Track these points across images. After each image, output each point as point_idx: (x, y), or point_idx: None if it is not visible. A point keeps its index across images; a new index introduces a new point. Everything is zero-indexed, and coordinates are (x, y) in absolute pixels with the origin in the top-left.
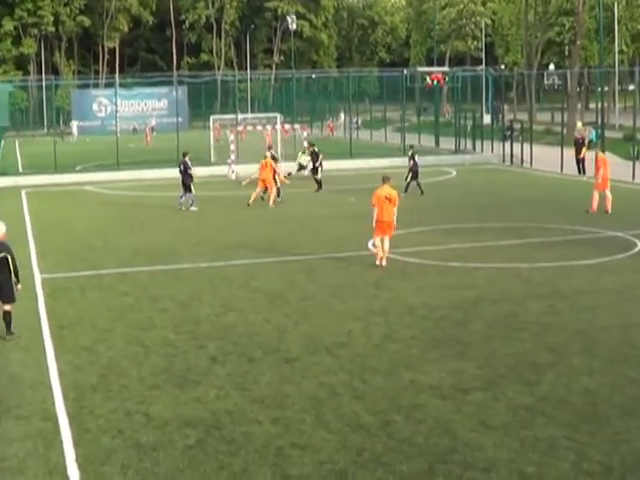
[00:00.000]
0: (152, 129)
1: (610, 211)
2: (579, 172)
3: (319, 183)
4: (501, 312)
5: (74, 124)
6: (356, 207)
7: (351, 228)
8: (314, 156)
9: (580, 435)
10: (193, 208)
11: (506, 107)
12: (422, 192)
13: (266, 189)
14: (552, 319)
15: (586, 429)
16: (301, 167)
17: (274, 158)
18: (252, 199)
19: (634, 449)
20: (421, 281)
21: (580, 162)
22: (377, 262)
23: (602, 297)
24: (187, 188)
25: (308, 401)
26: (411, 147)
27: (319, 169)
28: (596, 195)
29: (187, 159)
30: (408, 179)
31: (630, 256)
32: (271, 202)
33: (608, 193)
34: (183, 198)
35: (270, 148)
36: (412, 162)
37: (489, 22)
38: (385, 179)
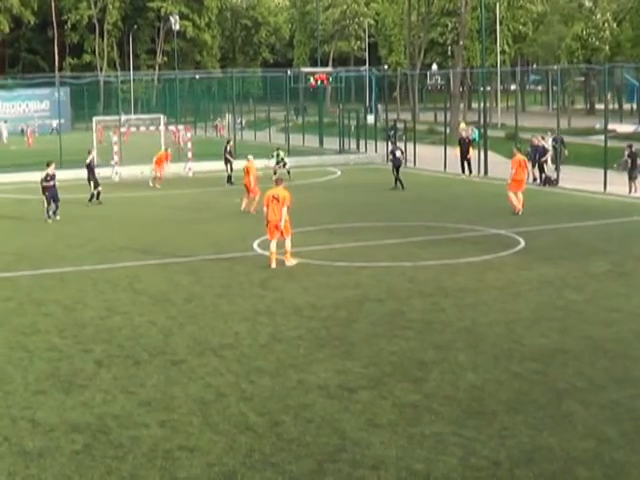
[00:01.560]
0: (33, 131)
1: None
2: (462, 171)
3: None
4: (386, 311)
5: None
6: (240, 208)
7: (236, 229)
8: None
9: (467, 431)
10: (57, 217)
11: (382, 107)
12: (403, 187)
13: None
14: (437, 317)
15: (473, 425)
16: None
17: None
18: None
19: (520, 443)
20: (307, 281)
21: (467, 161)
22: (290, 263)
23: (486, 294)
24: (54, 198)
25: (195, 403)
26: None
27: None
28: (511, 195)
29: (52, 169)
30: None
31: (513, 253)
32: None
33: (520, 194)
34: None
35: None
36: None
37: (372, 23)
38: (277, 181)
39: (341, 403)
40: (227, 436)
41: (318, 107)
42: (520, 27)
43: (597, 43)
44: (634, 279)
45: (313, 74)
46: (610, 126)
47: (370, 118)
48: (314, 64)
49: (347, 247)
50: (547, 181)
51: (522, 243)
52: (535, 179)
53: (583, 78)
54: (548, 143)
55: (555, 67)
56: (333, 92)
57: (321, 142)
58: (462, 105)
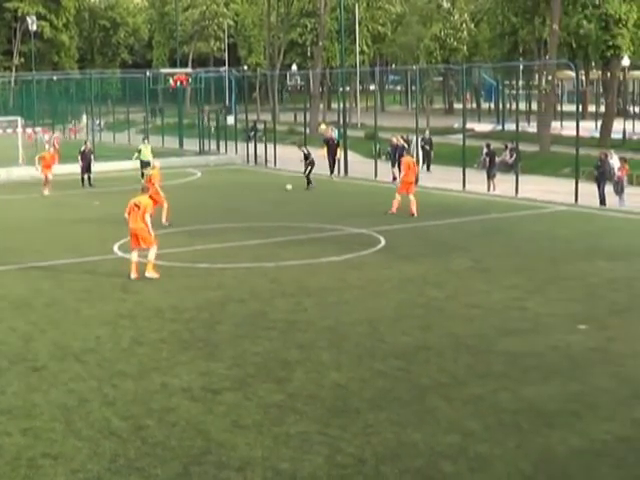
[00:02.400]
0: None
1: (415, 214)
2: (331, 172)
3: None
4: (249, 311)
5: None
6: (100, 210)
7: (96, 232)
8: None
9: (332, 429)
10: None
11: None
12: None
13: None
14: (299, 316)
15: (338, 423)
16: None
17: None
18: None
19: (385, 440)
20: (168, 283)
21: (335, 161)
22: (151, 275)
23: (348, 293)
24: None
25: (57, 409)
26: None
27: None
28: (398, 197)
29: None
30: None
31: (374, 252)
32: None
33: (412, 196)
34: None
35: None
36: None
37: (232, 23)
38: (143, 188)
39: (205, 405)
40: (91, 442)
41: (178, 108)
42: (379, 28)
43: (455, 44)
44: (494, 275)
45: (172, 75)
46: (468, 125)
47: (230, 119)
48: (173, 65)
49: (209, 248)
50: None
51: (383, 242)
52: (395, 178)
53: (442, 78)
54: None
55: (414, 67)
56: (193, 93)
57: (181, 143)
58: (322, 105)
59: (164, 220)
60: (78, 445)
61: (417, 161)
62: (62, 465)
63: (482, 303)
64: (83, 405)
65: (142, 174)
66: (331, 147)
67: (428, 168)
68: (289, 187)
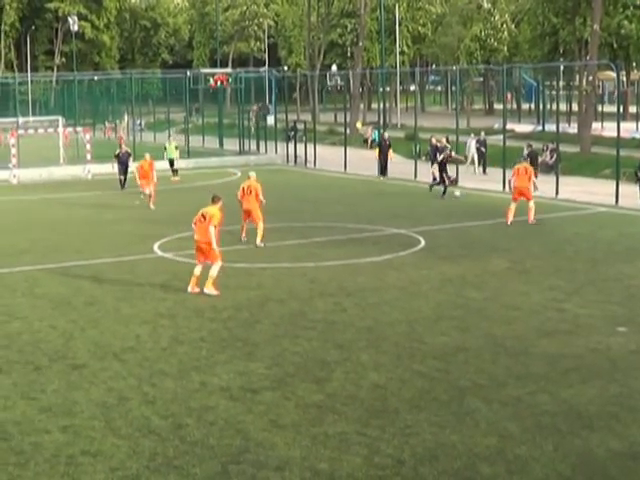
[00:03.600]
0: None
1: (533, 221)
2: (382, 173)
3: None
4: (288, 311)
5: None
6: (141, 210)
7: (137, 231)
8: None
9: (371, 430)
10: None
11: (272, 108)
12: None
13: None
14: (339, 317)
15: (376, 424)
16: None
17: None
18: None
19: (424, 441)
20: None
21: (387, 163)
22: (210, 291)
23: (387, 293)
24: None
25: (97, 407)
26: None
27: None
28: (512, 206)
29: None
30: None
31: (413, 253)
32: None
33: (530, 203)
34: None
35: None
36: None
37: (272, 24)
38: (213, 199)
39: (244, 404)
40: (130, 440)
41: (218, 108)
42: (419, 28)
43: (495, 44)
44: (533, 277)
45: (213, 75)
46: (509, 126)
47: (270, 119)
48: (214, 65)
49: (248, 248)
50: (450, 180)
51: (422, 242)
52: (435, 179)
53: (482, 78)
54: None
55: (454, 67)
56: (233, 93)
57: (221, 143)
58: (362, 106)
59: (258, 241)
60: (117, 443)
61: (472, 162)
62: (101, 463)
63: (521, 304)
64: (123, 403)
65: (174, 172)
66: (383, 148)
67: (484, 170)
68: (457, 193)
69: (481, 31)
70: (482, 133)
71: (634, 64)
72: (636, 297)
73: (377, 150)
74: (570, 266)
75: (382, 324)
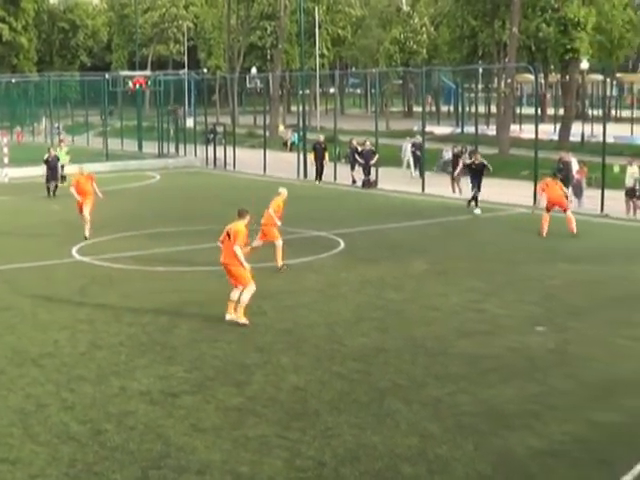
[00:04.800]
0: None
1: (574, 231)
2: (318, 178)
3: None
4: (207, 315)
5: None
6: (60, 215)
7: (54, 235)
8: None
9: (291, 432)
10: None
11: (189, 111)
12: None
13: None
14: (258, 319)
15: (297, 426)
16: None
17: None
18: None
19: (345, 443)
20: (127, 287)
21: (323, 167)
22: (236, 319)
23: (306, 296)
24: None
25: (15, 414)
26: None
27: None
28: (546, 216)
29: None
30: None
31: (332, 255)
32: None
33: (568, 213)
34: None
35: None
36: None
37: (191, 26)
38: (240, 213)
39: (164, 409)
40: (49, 446)
41: (137, 111)
42: (339, 31)
43: (415, 47)
44: (452, 278)
45: (132, 78)
46: (428, 128)
47: (189, 122)
48: (132, 68)
49: (167, 252)
50: (366, 183)
51: (342, 244)
52: (354, 181)
53: (401, 81)
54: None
55: (373, 70)
56: (152, 96)
57: (140, 146)
58: (282, 108)
59: (278, 264)
60: (36, 450)
61: (408, 165)
62: (20, 470)
63: (440, 305)
64: (41, 410)
65: (62, 178)
66: (319, 152)
67: (421, 174)
68: (477, 211)
69: (400, 34)
70: (417, 136)
71: (552, 67)
72: (554, 297)
73: (313, 154)
74: (489, 267)
75: (301, 326)
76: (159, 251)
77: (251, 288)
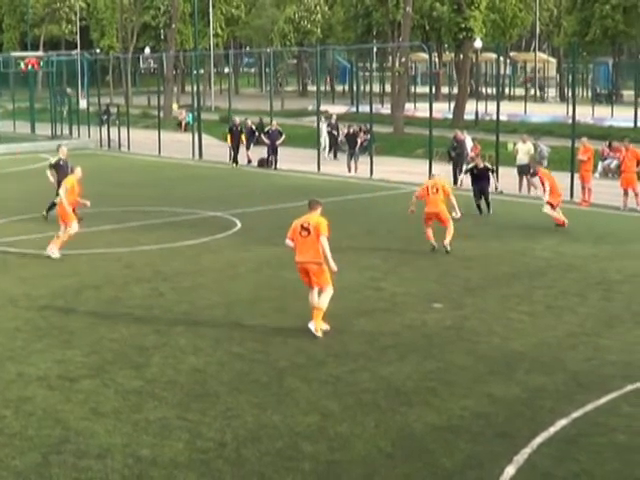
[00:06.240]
0: None
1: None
2: (235, 161)
3: None
4: (105, 298)
5: None
6: None
7: None
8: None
9: (192, 414)
10: None
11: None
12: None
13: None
14: (156, 301)
15: (197, 408)
16: None
17: None
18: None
19: (245, 423)
20: (22, 271)
21: (238, 149)
22: (317, 327)
23: (204, 277)
24: None
25: None
26: None
27: None
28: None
29: None
30: None
31: (230, 235)
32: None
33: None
34: None
35: None
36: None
37: (84, 6)
38: (312, 204)
39: (62, 394)
40: None
41: (29, 92)
42: (233, 10)
43: (309, 26)
44: (349, 256)
45: (23, 59)
46: (323, 107)
47: (83, 103)
48: (24, 48)
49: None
50: (262, 162)
51: (239, 225)
52: (250, 161)
53: (296, 60)
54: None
55: (268, 50)
56: (45, 77)
57: (33, 128)
58: (176, 88)
59: (447, 242)
60: None
61: (324, 148)
62: None
63: (338, 284)
64: None
65: None
66: (235, 134)
67: (335, 155)
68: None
69: (295, 13)
70: (334, 116)
71: (446, 46)
72: (450, 274)
73: (229, 136)
74: (386, 245)
75: (200, 308)
76: (53, 234)
77: (330, 290)
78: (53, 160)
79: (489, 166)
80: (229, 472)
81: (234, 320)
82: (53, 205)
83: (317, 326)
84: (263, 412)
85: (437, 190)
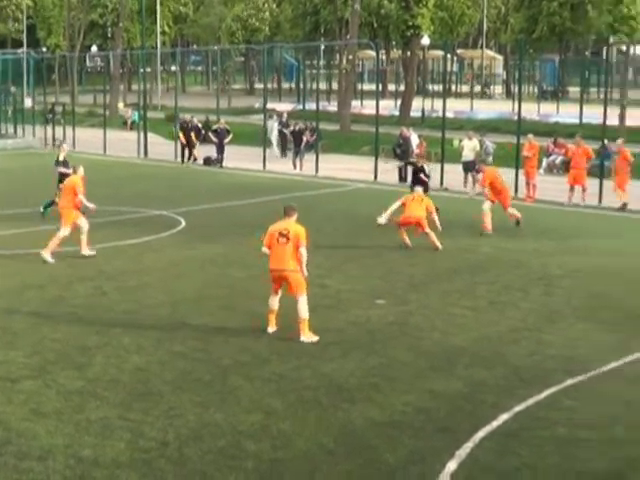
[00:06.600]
0: None
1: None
2: (186, 159)
3: None
4: (48, 297)
5: None
6: None
7: None
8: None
9: (134, 413)
10: None
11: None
12: None
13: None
14: (99, 301)
15: (139, 407)
16: None
17: None
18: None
19: (188, 422)
20: None
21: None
22: (309, 339)
23: (148, 276)
24: None
25: None
26: None
27: None
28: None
29: None
30: None
31: (174, 234)
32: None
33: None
34: None
35: None
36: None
37: (31, 4)
38: (287, 211)
39: (3, 394)
40: None
41: None
42: (181, 8)
43: (257, 24)
44: None
45: None
46: (269, 105)
47: (28, 101)
48: None
49: (4, 235)
50: (208, 160)
51: (183, 223)
52: (195, 159)
53: (243, 58)
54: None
55: (215, 48)
56: None
57: None
58: (122, 87)
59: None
60: None
61: (277, 145)
62: None
63: None
64: None
65: None
66: (187, 132)
67: (285, 153)
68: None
69: (243, 11)
70: (284, 114)
71: (393, 43)
72: (394, 271)
73: (181, 134)
74: (331, 242)
75: (143, 307)
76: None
77: (305, 297)
78: (61, 157)
79: (425, 168)
80: (171, 471)
81: (178, 319)
82: (52, 203)
83: (308, 335)
84: (206, 411)
85: (420, 200)
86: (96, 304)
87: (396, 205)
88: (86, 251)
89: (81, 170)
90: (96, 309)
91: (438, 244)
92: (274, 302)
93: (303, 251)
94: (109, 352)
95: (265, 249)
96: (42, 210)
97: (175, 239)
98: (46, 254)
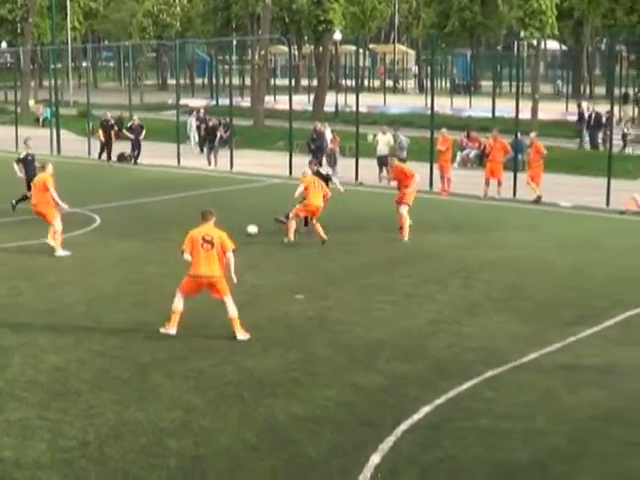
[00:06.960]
0: None
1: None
2: (109, 158)
3: None
4: None
5: None
6: None
7: None
8: None
9: (53, 413)
10: None
11: None
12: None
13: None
14: (14, 300)
15: (58, 407)
16: None
17: None
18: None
19: (108, 421)
20: None
21: (112, 145)
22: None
23: (64, 274)
24: None
25: None
26: None
27: None
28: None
29: None
30: None
31: (89, 231)
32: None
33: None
34: None
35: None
36: None
37: None
38: (205, 215)
39: None
40: None
41: None
42: (91, 4)
43: (168, 19)
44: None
45: None
46: (182, 101)
47: None
48: None
49: None
50: (122, 157)
51: (98, 220)
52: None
53: (155, 54)
54: None
55: (127, 43)
56: None
57: None
58: (33, 83)
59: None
60: None
61: (195, 142)
62: None
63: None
64: None
65: None
66: (107, 129)
67: (201, 149)
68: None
69: (154, 6)
70: (201, 110)
71: (306, 38)
72: (311, 266)
73: (101, 132)
74: (246, 239)
75: (60, 305)
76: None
77: (230, 297)
78: (22, 154)
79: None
80: (93, 470)
81: (95, 317)
82: (24, 198)
83: (242, 332)
84: (126, 409)
85: (321, 187)
86: (12, 304)
87: (300, 189)
88: (60, 252)
89: (50, 167)
90: (12, 309)
91: (324, 235)
92: (180, 303)
93: (231, 256)
94: (26, 352)
95: (187, 255)
96: (14, 203)
97: (90, 237)
98: (59, 251)
